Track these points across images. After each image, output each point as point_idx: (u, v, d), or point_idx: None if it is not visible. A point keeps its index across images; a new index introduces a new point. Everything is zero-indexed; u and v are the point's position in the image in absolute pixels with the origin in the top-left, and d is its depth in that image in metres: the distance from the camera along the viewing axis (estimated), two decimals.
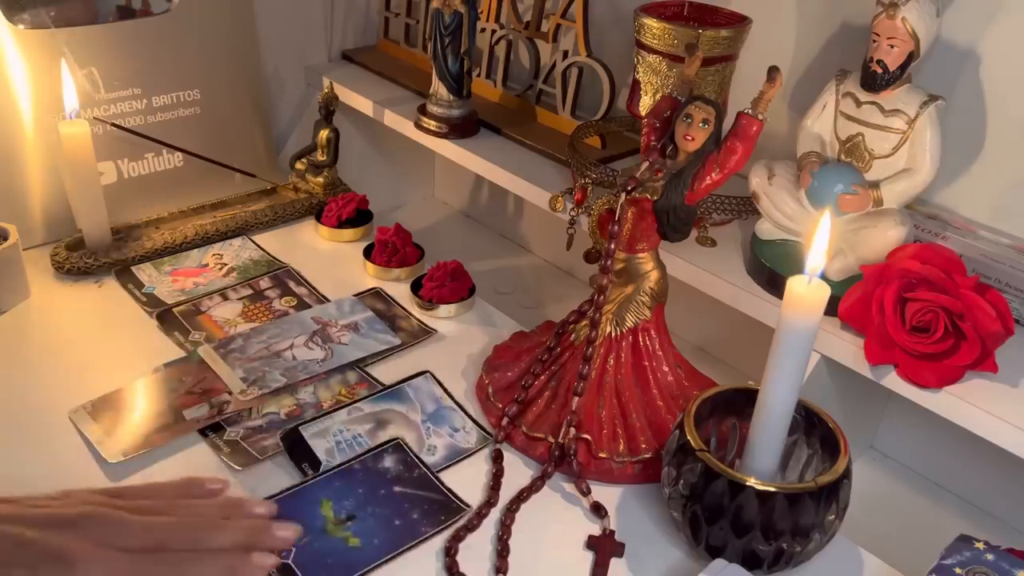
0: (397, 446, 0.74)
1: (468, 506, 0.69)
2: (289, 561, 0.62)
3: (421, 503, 0.69)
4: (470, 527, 0.67)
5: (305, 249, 1.03)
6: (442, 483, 0.71)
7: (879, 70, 0.72)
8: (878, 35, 0.71)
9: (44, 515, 0.53)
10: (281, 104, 1.20)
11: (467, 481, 0.71)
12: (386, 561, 0.64)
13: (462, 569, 0.63)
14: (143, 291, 0.92)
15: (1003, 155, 0.78)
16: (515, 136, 1.02)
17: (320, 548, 0.64)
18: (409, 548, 0.65)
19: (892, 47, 0.71)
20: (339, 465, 0.71)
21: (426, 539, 0.66)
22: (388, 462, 0.72)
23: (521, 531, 0.67)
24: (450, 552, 0.65)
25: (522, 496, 0.70)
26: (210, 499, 0.61)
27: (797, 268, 0.59)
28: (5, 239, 0.88)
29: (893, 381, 0.70)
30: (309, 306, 0.91)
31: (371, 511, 0.67)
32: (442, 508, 0.69)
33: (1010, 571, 0.58)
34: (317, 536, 0.65)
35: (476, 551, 0.65)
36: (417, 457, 0.73)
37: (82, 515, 0.53)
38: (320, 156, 1.09)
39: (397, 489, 0.70)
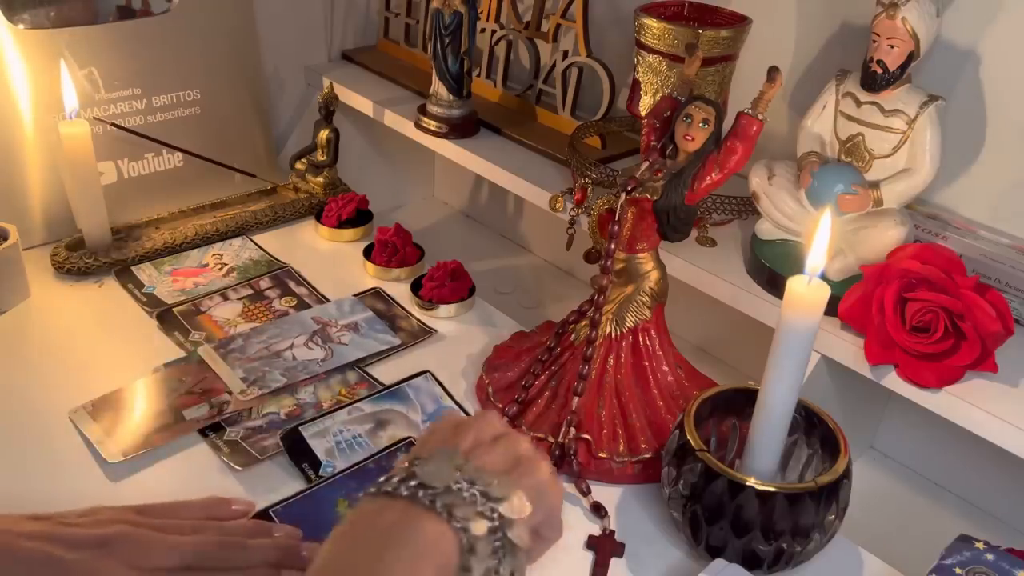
0: (411, 444, 0.74)
1: None
2: None
3: None
4: None
5: (305, 249, 1.03)
6: None
7: (879, 70, 0.72)
8: (878, 35, 0.71)
9: (75, 535, 0.53)
10: (281, 104, 1.20)
11: None
12: None
13: None
14: (143, 291, 0.92)
15: (1003, 155, 0.78)
16: (515, 136, 1.02)
17: None
18: None
19: (892, 47, 0.71)
20: (353, 465, 0.71)
21: None
22: None
23: None
24: None
25: None
26: (237, 520, 0.61)
27: (797, 268, 0.59)
28: (5, 239, 0.88)
29: (893, 381, 0.70)
30: (309, 306, 0.91)
31: None
32: None
33: (1010, 571, 0.58)
34: None
35: None
36: None
37: (113, 535, 0.53)
38: (320, 156, 1.09)
39: None
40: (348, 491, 0.69)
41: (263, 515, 0.66)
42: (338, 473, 0.70)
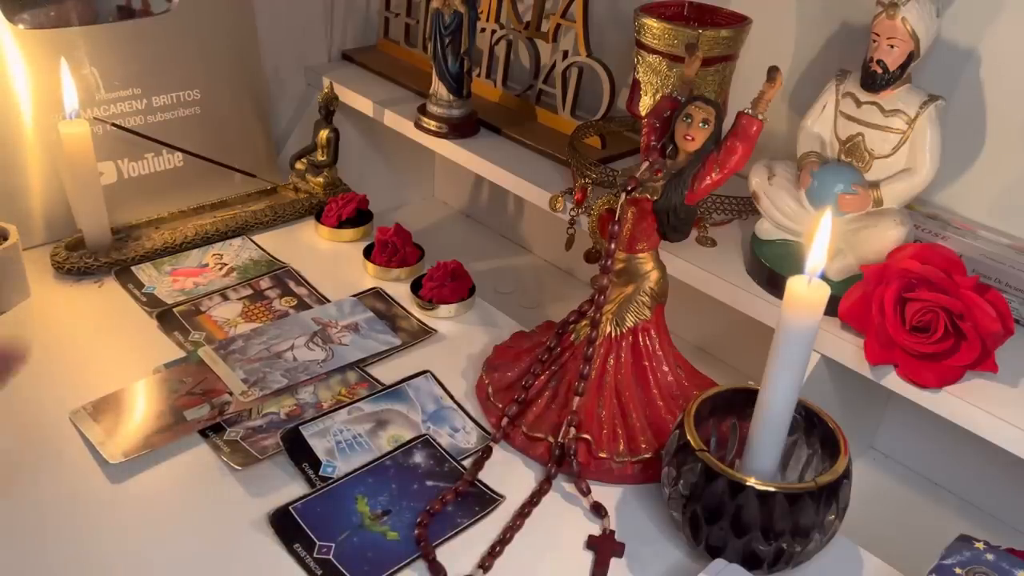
0: (426, 441, 0.74)
1: (501, 496, 0.70)
2: (330, 557, 0.63)
3: (454, 496, 0.69)
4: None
5: (305, 249, 1.03)
6: (473, 476, 0.71)
7: (879, 70, 0.72)
8: (878, 35, 0.71)
9: None
10: (281, 104, 1.20)
11: None
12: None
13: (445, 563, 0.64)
14: (143, 291, 0.92)
15: (1003, 155, 0.78)
16: (515, 136, 1.02)
17: (360, 543, 0.65)
18: (447, 539, 0.66)
19: (892, 47, 0.71)
20: (371, 462, 0.72)
21: (463, 529, 0.67)
22: (418, 458, 0.73)
23: (521, 531, 0.67)
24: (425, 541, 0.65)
25: (533, 502, 0.70)
26: None
27: (797, 268, 0.59)
28: (5, 239, 0.88)
29: (893, 381, 0.70)
30: (309, 306, 0.91)
31: (406, 505, 0.68)
32: (476, 500, 0.69)
33: (1010, 571, 0.58)
34: (355, 531, 0.66)
35: (469, 548, 0.66)
36: (446, 452, 0.73)
37: None
38: (320, 156, 1.09)
39: (429, 483, 0.71)
40: (366, 488, 0.69)
41: (282, 512, 0.66)
42: (357, 470, 0.71)
